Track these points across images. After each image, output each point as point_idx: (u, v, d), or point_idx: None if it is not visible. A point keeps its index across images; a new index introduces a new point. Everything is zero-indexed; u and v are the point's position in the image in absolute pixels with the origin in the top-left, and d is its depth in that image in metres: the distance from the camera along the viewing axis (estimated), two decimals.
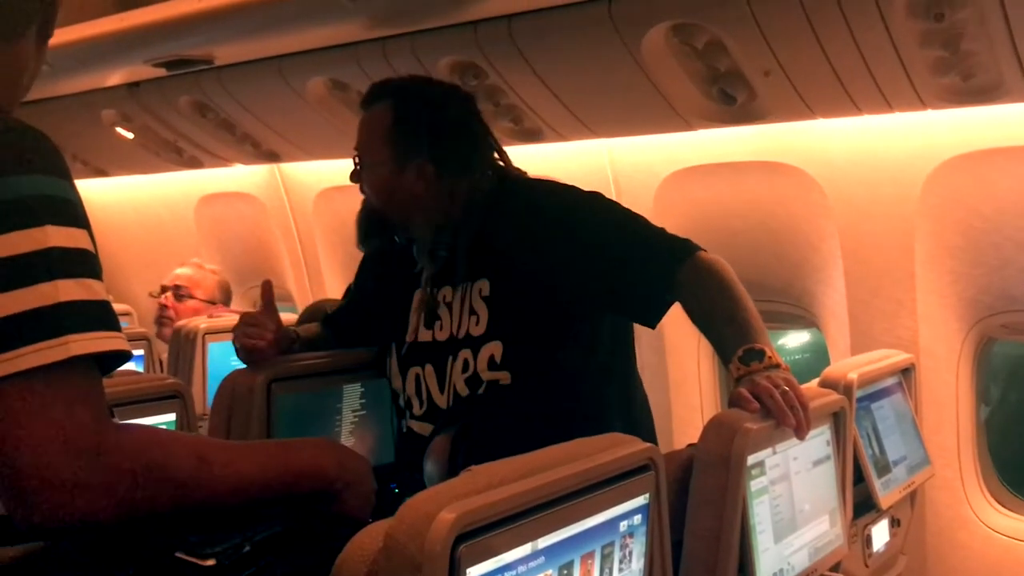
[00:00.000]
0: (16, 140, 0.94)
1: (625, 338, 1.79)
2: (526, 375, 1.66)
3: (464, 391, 1.68)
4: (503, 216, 1.71)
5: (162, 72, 2.72)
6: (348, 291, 2.05)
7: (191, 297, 3.30)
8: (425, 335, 1.76)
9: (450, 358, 1.71)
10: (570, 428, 1.55)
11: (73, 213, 0.93)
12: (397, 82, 1.81)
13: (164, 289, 3.34)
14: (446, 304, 1.75)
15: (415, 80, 1.88)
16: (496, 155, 1.78)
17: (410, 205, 1.73)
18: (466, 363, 1.69)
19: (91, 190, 4.32)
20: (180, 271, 3.40)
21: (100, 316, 0.91)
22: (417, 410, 1.76)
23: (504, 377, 1.66)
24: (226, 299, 3.49)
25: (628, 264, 1.63)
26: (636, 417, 1.79)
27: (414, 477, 1.66)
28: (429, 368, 1.74)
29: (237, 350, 1.83)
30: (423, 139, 1.70)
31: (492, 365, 1.67)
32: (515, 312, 1.67)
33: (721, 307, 1.54)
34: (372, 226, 1.80)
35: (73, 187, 0.96)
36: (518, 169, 1.81)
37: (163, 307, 3.28)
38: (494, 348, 1.67)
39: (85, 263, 0.92)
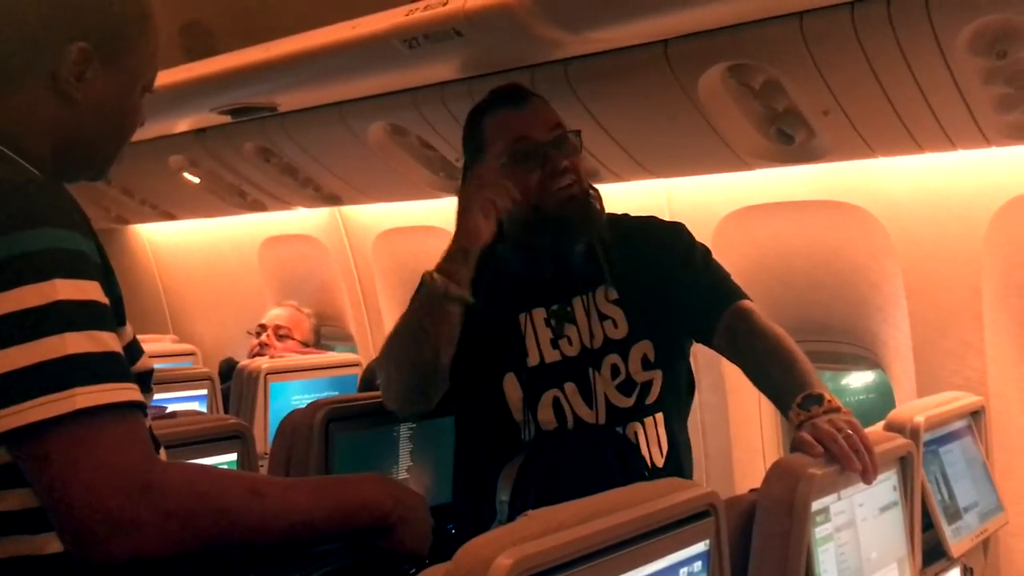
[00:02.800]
0: (28, 194, 0.96)
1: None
2: (672, 372, 1.70)
3: (618, 399, 1.66)
4: (614, 224, 1.77)
5: (227, 119, 2.80)
6: None
7: (291, 338, 3.37)
8: (552, 355, 1.68)
9: (591, 369, 1.66)
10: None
11: (82, 265, 0.95)
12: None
13: (263, 328, 3.41)
14: (572, 317, 1.71)
15: None
16: None
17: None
18: (615, 368, 1.66)
19: (158, 233, 4.44)
20: (277, 312, 3.48)
21: (107, 368, 0.92)
22: None
23: (657, 376, 1.67)
24: (317, 342, 3.55)
25: (696, 287, 1.71)
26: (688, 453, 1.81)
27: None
28: (571, 387, 1.67)
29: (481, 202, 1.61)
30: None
31: (646, 364, 1.66)
32: (652, 311, 1.68)
33: (774, 357, 1.57)
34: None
35: (87, 238, 0.97)
36: None
37: (263, 345, 3.34)
38: (645, 347, 1.67)
39: (93, 315, 0.93)
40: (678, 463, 1.71)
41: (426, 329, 1.59)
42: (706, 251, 1.79)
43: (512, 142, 1.68)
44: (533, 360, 1.68)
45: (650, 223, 1.84)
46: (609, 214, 1.85)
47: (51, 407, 0.88)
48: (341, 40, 2.06)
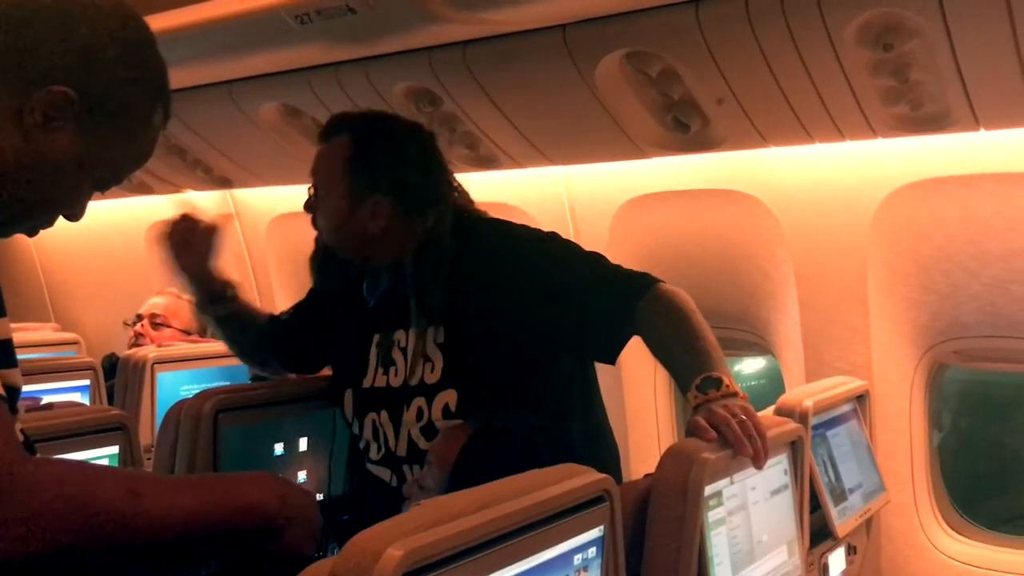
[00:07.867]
0: None
1: (587, 375, 1.77)
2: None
3: (420, 440, 1.65)
4: (459, 260, 1.67)
5: None
6: (298, 306, 1.97)
7: (168, 326, 3.19)
8: (380, 380, 1.72)
9: (404, 406, 1.67)
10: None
11: None
12: (357, 115, 1.78)
13: (139, 318, 3.24)
14: (400, 348, 1.70)
15: (375, 115, 1.82)
16: (456, 195, 1.76)
17: (363, 242, 1.70)
18: (420, 412, 1.65)
19: None
20: (156, 300, 3.28)
21: None
22: (375, 454, 1.72)
23: None
24: (203, 329, 3.38)
25: (585, 305, 1.62)
26: (602, 457, 1.76)
27: (373, 517, 1.61)
28: (384, 415, 1.70)
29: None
30: (381, 175, 1.67)
31: (447, 414, 1.63)
32: (470, 361, 1.64)
33: (679, 337, 1.54)
34: (327, 263, 1.78)
35: None
36: (477, 209, 1.78)
37: (139, 336, 3.17)
38: (448, 397, 1.64)
39: None
40: None
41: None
42: (584, 264, 1.66)
43: None
44: (368, 381, 1.74)
45: (514, 247, 1.70)
46: (483, 226, 1.75)
47: None
48: (228, 14, 1.98)
